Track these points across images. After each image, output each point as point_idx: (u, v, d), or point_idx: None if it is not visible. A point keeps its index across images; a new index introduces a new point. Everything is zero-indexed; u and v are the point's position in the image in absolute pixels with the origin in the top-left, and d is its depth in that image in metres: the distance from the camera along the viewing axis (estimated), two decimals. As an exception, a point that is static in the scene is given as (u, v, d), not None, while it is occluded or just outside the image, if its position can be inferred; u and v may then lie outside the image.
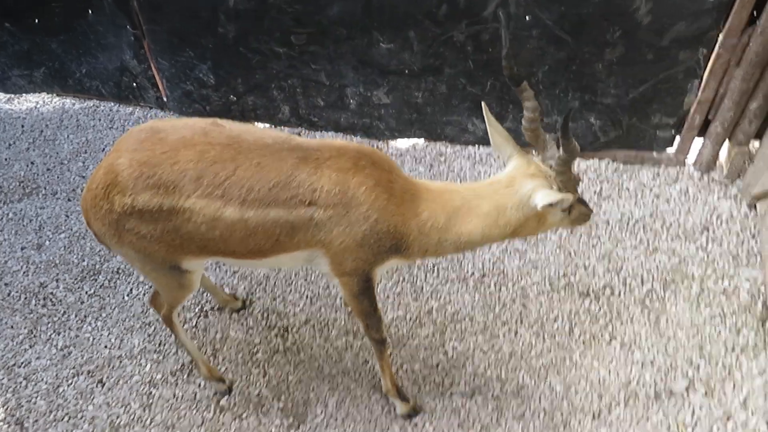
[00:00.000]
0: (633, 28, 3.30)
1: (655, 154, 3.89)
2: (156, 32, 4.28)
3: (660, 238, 3.55)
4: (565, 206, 2.15)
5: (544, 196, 2.08)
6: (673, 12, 3.20)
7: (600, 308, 3.26)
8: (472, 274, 3.52)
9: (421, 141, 4.35)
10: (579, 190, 2.28)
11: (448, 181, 4.06)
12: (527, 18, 3.41)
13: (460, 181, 4.06)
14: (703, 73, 3.44)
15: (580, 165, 4.01)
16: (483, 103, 2.22)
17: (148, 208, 2.13)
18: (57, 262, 3.86)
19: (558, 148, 2.05)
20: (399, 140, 4.39)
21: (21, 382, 3.23)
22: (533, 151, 2.31)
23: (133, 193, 2.11)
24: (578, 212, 2.33)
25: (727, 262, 3.36)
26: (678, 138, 3.79)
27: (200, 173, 2.08)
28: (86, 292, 3.66)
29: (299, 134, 4.56)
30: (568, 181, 2.14)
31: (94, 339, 3.41)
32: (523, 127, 2.13)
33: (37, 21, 4.59)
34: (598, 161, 4.00)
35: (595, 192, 3.84)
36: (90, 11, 4.39)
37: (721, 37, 3.26)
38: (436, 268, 3.56)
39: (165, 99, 4.77)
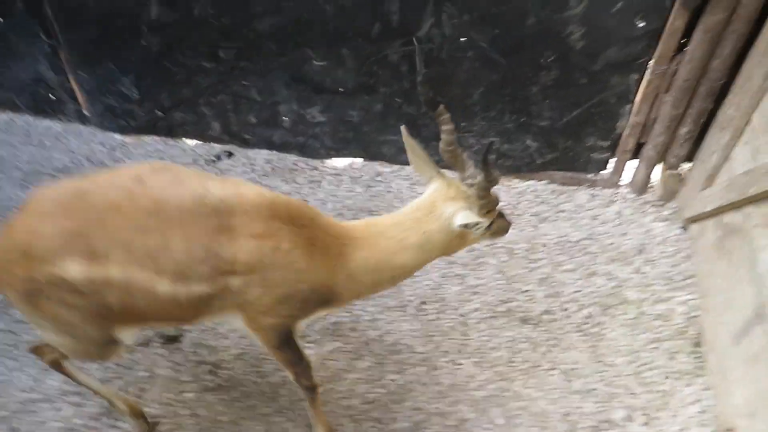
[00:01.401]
0: (567, 52, 3.29)
1: (590, 176, 3.91)
2: (73, 42, 3.98)
3: (597, 261, 3.56)
4: (481, 228, 2.18)
5: (462, 217, 2.13)
6: (605, 37, 3.20)
7: (540, 335, 3.24)
8: (412, 301, 3.43)
9: (358, 160, 4.23)
10: (508, 210, 2.24)
11: (375, 213, 3.96)
12: (462, 39, 3.34)
13: (401, 203, 3.96)
14: (635, 97, 3.47)
15: (518, 186, 3.99)
16: (402, 127, 2.20)
17: (75, 278, 1.97)
18: (-38, 295, 3.53)
19: (479, 170, 2.08)
20: (335, 159, 4.25)
21: None
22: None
23: (58, 262, 1.95)
24: (498, 226, 2.37)
25: (662, 285, 3.40)
26: (612, 160, 3.82)
27: (129, 242, 1.96)
28: (-2, 329, 3.36)
29: (231, 152, 4.35)
30: (487, 203, 2.17)
31: (6, 381, 3.12)
32: (441, 149, 2.14)
33: (-63, 28, 4.20)
34: (536, 183, 3.99)
35: (533, 214, 3.83)
36: (-1, 19, 4.05)
37: (651, 63, 3.29)
38: (374, 296, 3.45)
39: (86, 113, 4.47)
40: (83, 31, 3.87)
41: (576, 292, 3.42)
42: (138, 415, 2.83)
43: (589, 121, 3.59)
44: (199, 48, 3.76)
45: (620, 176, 3.87)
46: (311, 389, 2.57)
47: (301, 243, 2.08)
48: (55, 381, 3.10)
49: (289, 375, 2.55)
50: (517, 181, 4.02)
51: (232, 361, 3.18)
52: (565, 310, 3.35)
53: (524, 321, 3.31)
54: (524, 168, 3.92)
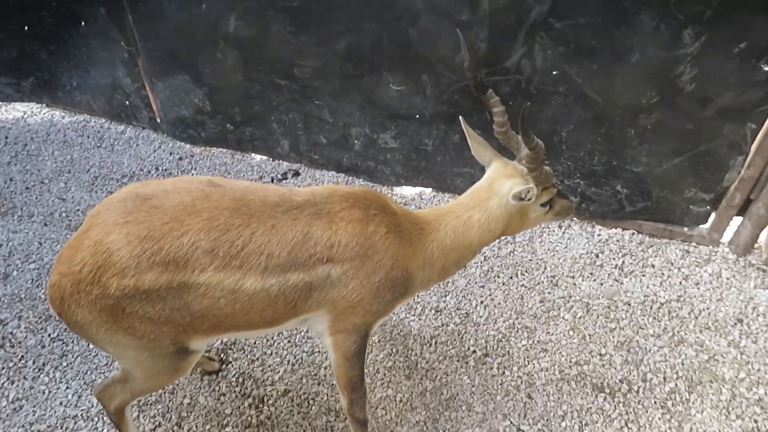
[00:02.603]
0: (673, 95, 2.94)
1: (686, 229, 3.51)
2: (151, 51, 3.96)
3: (687, 327, 3.17)
4: (531, 196, 2.18)
5: (511, 186, 2.19)
6: (721, 81, 2.83)
7: (615, 407, 2.88)
8: (474, 351, 3.15)
9: (428, 190, 3.99)
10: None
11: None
12: (554, 73, 3.05)
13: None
14: (749, 149, 3.07)
15: (601, 234, 3.64)
16: (461, 117, 2.29)
17: (156, 287, 1.89)
18: (22, 296, 3.53)
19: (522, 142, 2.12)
20: (405, 187, 4.03)
21: (-37, 438, 2.90)
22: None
23: (136, 273, 1.85)
24: (560, 206, 2.39)
25: (763, 365, 2.97)
26: (714, 215, 3.41)
27: (214, 244, 1.89)
28: (49, 335, 3.32)
29: (298, 171, 4.22)
30: (540, 176, 2.18)
31: (50, 393, 3.06)
32: (495, 132, 2.16)
33: (26, 28, 4.29)
34: (622, 231, 3.63)
35: (616, 266, 3.47)
36: (82, 23, 4.08)
37: (773, 112, 2.90)
38: (434, 341, 3.20)
39: (159, 121, 4.45)
40: (161, 40, 3.83)
41: (660, 361, 3.04)
42: None
43: (691, 170, 3.21)
44: (274, 65, 3.64)
45: (721, 234, 3.46)
46: (363, 424, 2.46)
47: (393, 228, 2.13)
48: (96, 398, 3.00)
49: (343, 403, 2.46)
50: (600, 227, 3.67)
51: (277, 397, 3.00)
52: (647, 380, 2.97)
53: (598, 389, 2.96)
54: (610, 215, 3.57)
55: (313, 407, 2.95)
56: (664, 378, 2.98)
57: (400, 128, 3.68)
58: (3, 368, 3.17)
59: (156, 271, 1.86)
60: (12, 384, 3.10)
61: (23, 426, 2.92)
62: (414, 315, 3.32)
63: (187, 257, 1.86)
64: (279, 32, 3.44)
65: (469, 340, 3.20)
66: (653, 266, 3.46)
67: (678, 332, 3.15)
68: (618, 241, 3.60)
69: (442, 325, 3.28)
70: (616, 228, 3.65)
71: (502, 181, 2.24)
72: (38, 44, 4.34)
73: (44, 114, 4.85)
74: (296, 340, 3.22)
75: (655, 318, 3.22)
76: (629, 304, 3.29)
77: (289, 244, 1.96)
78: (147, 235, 1.84)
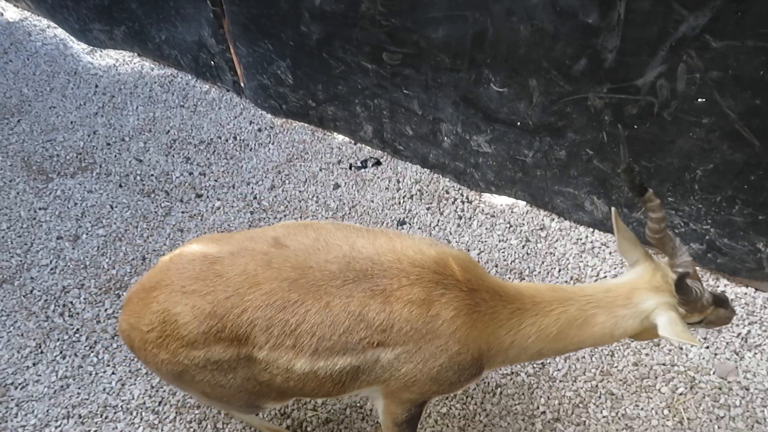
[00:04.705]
0: None
1: (842, 306, 2.79)
2: (236, 14, 3.62)
3: (821, 433, 2.54)
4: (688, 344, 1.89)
5: (664, 326, 1.82)
6: None
7: None
8: (543, 413, 2.71)
9: (521, 204, 3.46)
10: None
11: (525, 277, 3.19)
12: (699, 101, 2.39)
13: (563, 272, 3.17)
14: None
15: (727, 291, 2.99)
16: (613, 209, 1.95)
17: (225, 359, 1.90)
18: (87, 263, 3.47)
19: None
20: (495, 196, 3.53)
21: (12, 408, 2.90)
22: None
23: (205, 347, 1.87)
24: (714, 316, 1.96)
25: None
26: None
27: (269, 322, 1.84)
28: (105, 310, 3.25)
29: (380, 160, 3.81)
30: (694, 309, 1.85)
31: (95, 376, 3.00)
32: (647, 235, 1.86)
33: (117, -24, 4.08)
34: (754, 292, 2.95)
35: (738, 335, 2.84)
36: (170, -25, 3.80)
37: None
38: (499, 392, 2.79)
39: (242, 86, 4.17)
40: (246, 4, 3.48)
41: (777, 471, 2.47)
42: None
43: None
44: (361, 46, 3.20)
45: None
46: None
47: (465, 309, 1.85)
48: (138, 389, 2.90)
49: None
50: (726, 282, 3.02)
51: (317, 425, 2.77)
52: (754, 492, 2.43)
53: (690, 490, 2.46)
54: (743, 272, 2.90)
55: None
56: (778, 495, 2.42)
57: (498, 133, 3.15)
58: (59, 339, 3.14)
59: (223, 345, 1.86)
60: (64, 359, 3.06)
61: (66, 407, 2.89)
62: (482, 356, 2.91)
63: (246, 334, 1.84)
64: (369, 12, 2.97)
65: (541, 397, 2.76)
66: (788, 344, 2.80)
67: (807, 438, 2.54)
68: (747, 304, 2.94)
69: (512, 373, 2.85)
70: (747, 287, 2.98)
71: (646, 293, 1.88)
72: (129, -7, 4.14)
73: (135, 64, 4.71)
74: (348, 362, 2.93)
75: (779, 413, 2.62)
76: (747, 389, 2.69)
77: (341, 327, 1.83)
78: (211, 312, 1.83)
